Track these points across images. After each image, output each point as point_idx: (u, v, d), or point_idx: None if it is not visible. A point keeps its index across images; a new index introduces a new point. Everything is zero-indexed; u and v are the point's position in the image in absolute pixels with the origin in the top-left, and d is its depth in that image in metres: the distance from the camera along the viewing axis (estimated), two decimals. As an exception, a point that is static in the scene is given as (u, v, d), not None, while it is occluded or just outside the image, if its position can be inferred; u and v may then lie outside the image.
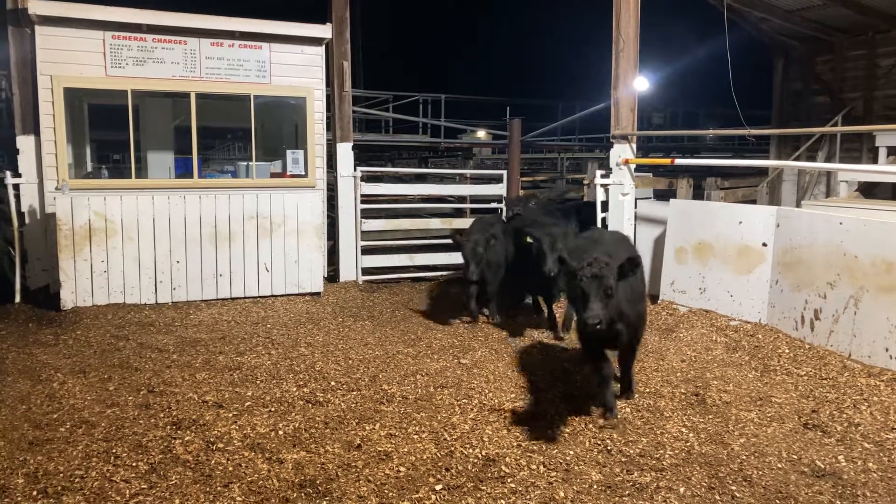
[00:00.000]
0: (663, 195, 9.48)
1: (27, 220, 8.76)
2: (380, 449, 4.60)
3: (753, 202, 9.31)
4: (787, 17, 12.55)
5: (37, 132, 8.59)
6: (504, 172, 10.79)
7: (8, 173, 8.68)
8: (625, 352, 5.43)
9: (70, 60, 8.54)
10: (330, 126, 10.59)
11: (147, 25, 8.78)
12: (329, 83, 10.25)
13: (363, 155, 15.59)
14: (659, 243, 8.78)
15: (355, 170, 10.33)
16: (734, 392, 5.66)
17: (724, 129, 16.61)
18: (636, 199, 9.07)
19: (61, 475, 4.14)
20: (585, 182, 11.15)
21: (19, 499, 3.88)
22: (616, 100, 9.08)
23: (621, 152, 8.94)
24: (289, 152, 9.98)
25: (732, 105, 9.34)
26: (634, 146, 9.10)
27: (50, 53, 8.44)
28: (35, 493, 3.94)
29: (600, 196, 8.87)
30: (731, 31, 9.36)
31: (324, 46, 9.87)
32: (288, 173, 9.93)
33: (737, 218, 7.72)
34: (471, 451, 4.60)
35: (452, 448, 4.63)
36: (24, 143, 8.69)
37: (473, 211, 11.66)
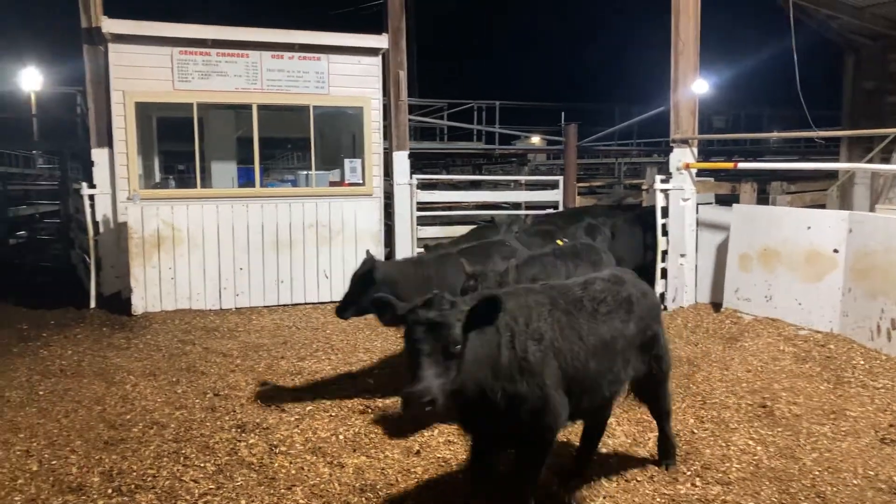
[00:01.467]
0: (726, 200, 9.22)
1: (101, 229, 9.18)
2: (438, 455, 4.61)
3: (822, 207, 8.93)
4: (857, 15, 12.02)
5: (110, 145, 8.99)
6: (560, 178, 10.70)
7: (84, 184, 9.11)
8: (519, 461, 3.55)
9: (140, 76, 8.92)
10: (386, 135, 10.73)
11: (212, 40, 9.09)
12: (385, 92, 10.39)
13: (418, 163, 15.72)
14: (721, 250, 8.53)
15: (411, 178, 10.43)
16: (805, 404, 5.44)
17: (790, 132, 16.04)
18: (697, 205, 8.85)
19: (134, 474, 4.31)
20: (644, 187, 10.94)
21: (95, 496, 4.06)
22: (675, 103, 8.89)
23: (681, 156, 8.73)
24: (346, 161, 10.16)
25: (797, 106, 9.00)
26: (695, 150, 8.89)
27: (122, 70, 8.84)
28: (110, 491, 4.11)
29: (660, 201, 8.68)
30: (797, 30, 9.04)
31: (380, 56, 10.01)
32: (346, 182, 10.10)
33: (805, 223, 7.43)
34: (530, 459, 4.57)
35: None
36: (99, 155, 9.12)
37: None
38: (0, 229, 11.85)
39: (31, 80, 22.76)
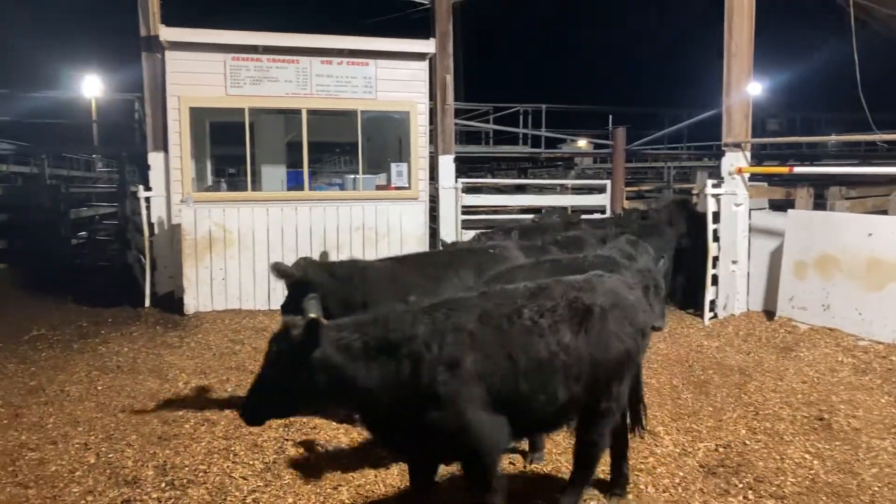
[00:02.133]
0: (780, 206, 8.95)
1: (156, 231, 9.46)
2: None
3: (884, 213, 8.58)
4: (923, 13, 11.55)
5: (165, 149, 9.28)
6: (607, 182, 10.57)
7: (140, 187, 9.42)
8: (467, 485, 3.46)
9: (195, 82, 9.18)
10: (432, 139, 10.78)
11: (263, 47, 9.29)
12: (432, 97, 10.44)
13: (462, 166, 15.71)
14: (775, 257, 8.28)
15: (456, 181, 10.45)
16: (864, 418, 5.23)
17: (850, 135, 15.48)
18: (750, 210, 8.62)
19: (186, 469, 4.43)
20: (694, 192, 10.69)
21: (149, 490, 4.18)
22: (728, 106, 8.68)
23: (734, 161, 8.52)
24: (393, 165, 10.24)
25: (857, 108, 8.69)
26: (748, 154, 8.66)
27: (178, 76, 9.12)
28: (164, 484, 4.23)
29: (711, 207, 8.48)
30: (858, 30, 8.73)
31: (427, 61, 10.07)
32: (392, 185, 10.18)
33: (866, 229, 7.16)
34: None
35: (558, 465, 4.56)
36: (155, 159, 9.41)
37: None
38: (63, 230, 12.32)
39: (92, 87, 23.68)
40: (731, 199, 8.47)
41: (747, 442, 4.93)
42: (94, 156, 25.20)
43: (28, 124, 17.17)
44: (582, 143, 21.44)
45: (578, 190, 12.32)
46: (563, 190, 13.03)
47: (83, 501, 4.04)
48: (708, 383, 6.20)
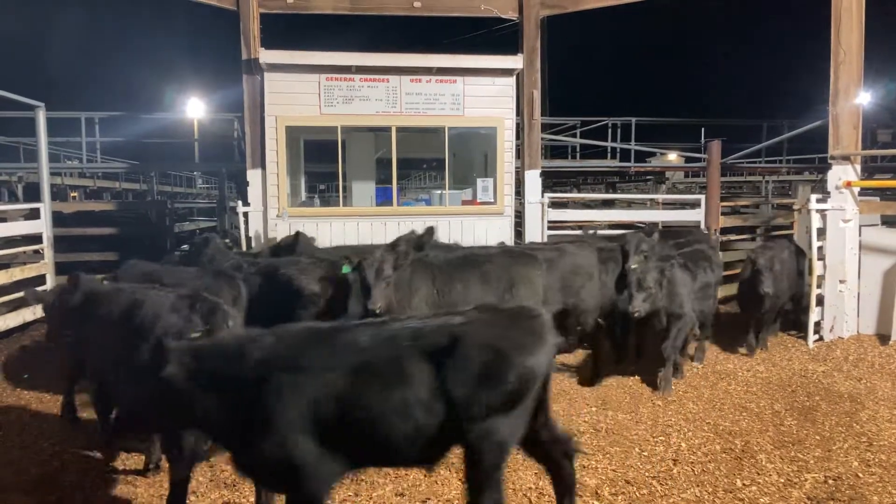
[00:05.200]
0: (894, 222, 8.36)
1: (253, 244, 9.88)
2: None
3: None
4: None
5: (263, 166, 9.69)
6: (702, 197, 10.17)
7: (239, 203, 9.88)
8: None
9: (291, 102, 9.56)
10: (518, 154, 10.74)
11: (356, 67, 9.57)
12: (519, 112, 10.43)
13: (547, 181, 15.60)
14: (890, 276, 7.73)
15: (542, 196, 10.37)
16: None
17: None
18: (860, 227, 8.09)
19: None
20: (795, 207, 10.13)
21: (247, 493, 4.33)
22: (835, 116, 8.21)
23: (842, 174, 8.04)
24: (479, 180, 10.28)
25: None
26: (858, 167, 8.15)
27: (275, 96, 9.53)
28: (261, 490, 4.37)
29: (815, 222, 8.01)
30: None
31: (515, 77, 10.08)
32: (478, 200, 10.21)
33: None
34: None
35: (653, 488, 4.40)
36: (253, 176, 9.85)
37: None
38: (167, 244, 13.09)
39: (194, 108, 25.21)
40: (839, 214, 7.99)
41: (860, 475, 4.60)
42: (195, 173, 26.79)
43: (137, 144, 18.43)
44: (672, 157, 20.82)
45: (670, 205, 11.93)
46: (654, 205, 12.66)
47: (187, 501, 4.23)
48: (814, 410, 5.83)
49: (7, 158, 17.11)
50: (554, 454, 3.58)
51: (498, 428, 3.21)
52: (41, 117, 8.68)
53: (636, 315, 6.08)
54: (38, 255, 8.77)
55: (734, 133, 18.90)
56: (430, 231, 6.95)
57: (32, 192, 14.71)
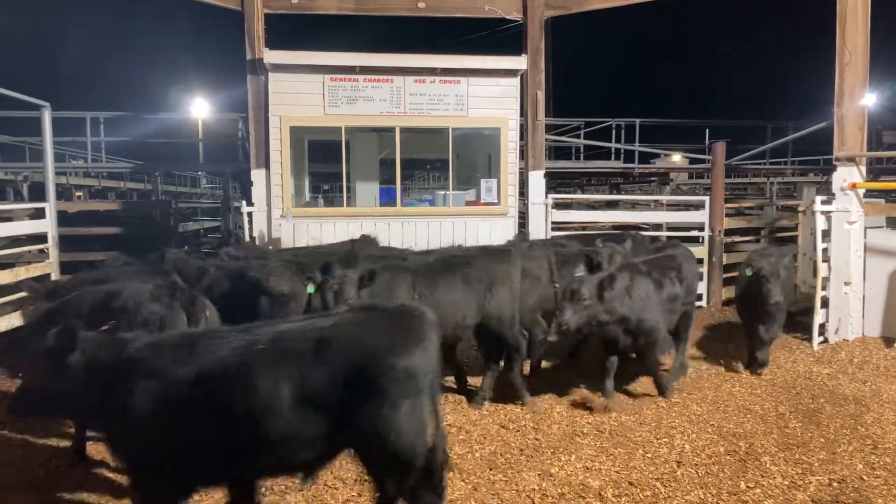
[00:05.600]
0: (900, 224, 8.34)
1: (258, 244, 9.88)
2: (574, 480, 4.49)
3: None
4: None
5: (267, 166, 9.71)
6: (706, 198, 10.16)
7: (243, 203, 9.89)
8: None
9: (295, 102, 9.58)
10: (522, 154, 10.74)
11: (360, 67, 9.58)
12: (522, 113, 10.43)
13: (551, 182, 15.60)
14: (895, 278, 7.70)
15: (546, 197, 10.36)
16: None
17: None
18: (865, 229, 8.06)
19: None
20: (800, 209, 10.11)
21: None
22: (840, 117, 8.19)
23: (847, 175, 8.01)
24: (483, 181, 10.28)
25: None
26: (863, 168, 8.12)
27: (279, 97, 9.54)
28: (263, 489, 4.35)
29: (820, 224, 7.99)
30: None
31: (519, 77, 10.08)
32: (481, 201, 10.21)
33: None
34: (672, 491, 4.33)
35: (657, 490, 4.39)
36: (257, 176, 9.86)
37: (670, 239, 11.09)
38: (171, 243, 13.12)
39: (199, 108, 25.25)
40: (844, 216, 7.97)
41: (865, 477, 4.59)
42: (199, 173, 26.82)
43: (142, 144, 18.46)
44: (676, 158, 20.79)
45: (674, 206, 11.91)
46: (658, 206, 12.64)
47: (192, 500, 4.23)
48: (819, 413, 5.82)
49: (12, 158, 17.17)
50: (432, 463, 3.43)
51: (381, 432, 3.13)
52: (47, 117, 8.70)
53: (563, 328, 5.49)
54: (43, 254, 8.79)
55: (738, 134, 18.87)
56: (366, 239, 6.81)
57: (38, 192, 14.77)
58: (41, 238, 8.67)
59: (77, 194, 18.78)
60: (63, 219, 10.45)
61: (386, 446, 3.15)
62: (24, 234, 8.86)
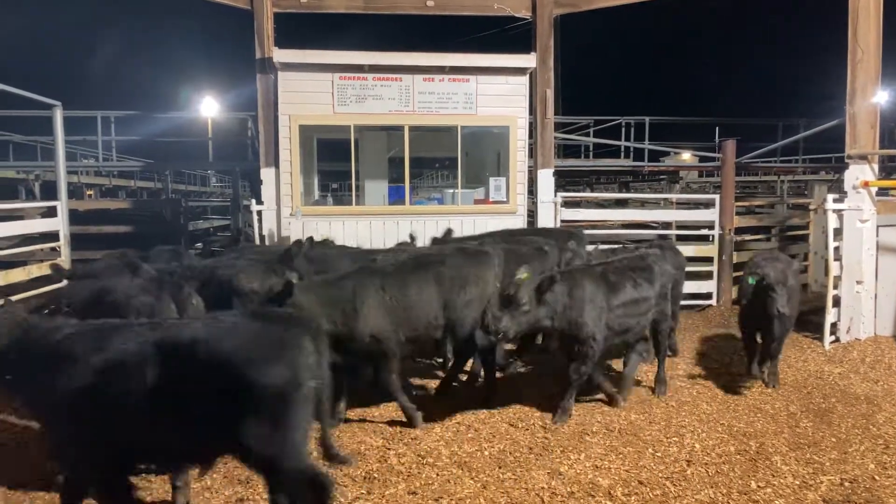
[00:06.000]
0: (912, 222, 8.26)
1: (267, 242, 9.92)
2: (583, 479, 4.48)
3: None
4: None
5: (277, 165, 9.74)
6: (716, 197, 10.11)
7: (253, 201, 9.93)
8: None
9: (304, 101, 9.60)
10: (531, 153, 10.72)
11: (369, 66, 9.59)
12: (532, 111, 10.41)
13: (560, 180, 15.58)
14: (907, 277, 7.65)
15: (555, 195, 10.34)
16: None
17: None
18: (878, 227, 8.00)
19: (294, 473, 4.58)
20: (812, 207, 10.06)
21: (261, 490, 4.34)
22: (852, 115, 8.13)
23: (859, 173, 7.95)
24: (491, 179, 10.27)
25: None
26: (875, 166, 8.06)
27: (289, 95, 9.56)
28: (273, 486, 4.40)
29: (832, 223, 7.94)
30: None
31: (528, 75, 10.06)
32: (490, 200, 10.20)
33: None
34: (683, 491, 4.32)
35: (666, 489, 4.38)
36: (267, 174, 9.89)
37: (680, 237, 11.05)
38: (181, 242, 13.19)
39: (208, 107, 25.35)
40: (856, 214, 7.91)
41: (877, 477, 4.56)
42: (209, 171, 26.95)
43: (152, 143, 18.57)
44: (686, 156, 20.71)
45: (684, 204, 11.86)
46: (667, 204, 12.59)
47: (202, 497, 4.27)
48: (830, 412, 5.78)
49: (24, 157, 17.30)
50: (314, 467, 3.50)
51: (243, 436, 3.18)
52: (58, 116, 8.76)
53: (499, 337, 5.21)
54: (54, 252, 8.85)
55: (749, 132, 18.80)
56: (299, 243, 6.68)
57: (49, 190, 14.88)
58: (53, 236, 8.74)
59: (88, 193, 18.93)
60: (74, 217, 10.53)
61: (252, 450, 3.25)
62: (37, 233, 8.94)
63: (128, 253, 6.70)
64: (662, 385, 6.26)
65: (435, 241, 7.97)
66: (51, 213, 8.78)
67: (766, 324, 6.20)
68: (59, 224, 8.65)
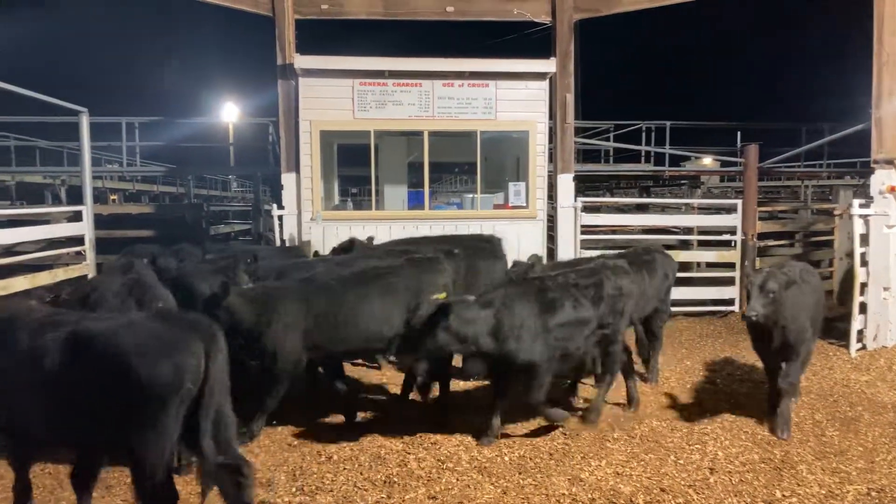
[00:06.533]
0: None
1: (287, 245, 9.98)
2: (604, 485, 4.44)
3: None
4: None
5: (297, 170, 9.81)
6: (738, 202, 10.00)
7: (274, 206, 10.01)
8: None
9: (325, 106, 9.67)
10: (551, 158, 10.69)
11: (389, 71, 9.64)
12: (551, 115, 10.38)
13: (579, 185, 15.51)
14: (936, 283, 7.50)
15: (575, 200, 10.30)
16: None
17: None
18: (905, 232, 7.86)
19: (315, 475, 4.61)
20: (836, 212, 9.91)
21: (281, 493, 4.38)
22: (878, 119, 8.01)
23: (885, 178, 7.82)
24: (511, 184, 10.26)
25: None
26: (903, 171, 7.92)
27: (309, 101, 9.64)
28: (294, 489, 4.43)
29: (858, 228, 7.81)
30: None
31: (547, 80, 10.04)
32: (510, 205, 10.19)
33: None
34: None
35: (689, 497, 4.33)
36: (287, 179, 9.96)
37: (701, 243, 10.95)
38: (203, 245, 13.32)
39: (229, 112, 25.64)
40: (883, 220, 7.78)
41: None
42: (230, 176, 27.21)
43: (174, 148, 18.79)
44: (707, 161, 20.50)
45: (705, 209, 11.75)
46: (688, 209, 12.48)
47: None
48: (857, 420, 5.68)
49: (51, 162, 17.61)
50: (223, 479, 3.50)
51: (122, 434, 3.34)
52: (84, 122, 8.91)
53: (420, 371, 5.04)
54: (80, 256, 8.99)
55: (771, 137, 18.51)
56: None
57: (75, 195, 15.12)
58: (78, 240, 8.87)
59: (112, 198, 19.20)
60: (98, 221, 10.68)
61: (129, 449, 3.37)
62: (63, 237, 9.08)
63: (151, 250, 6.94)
64: (594, 412, 5.48)
65: (335, 250, 7.99)
66: (77, 217, 8.92)
67: (772, 345, 5.35)
68: (85, 228, 8.78)
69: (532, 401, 5.13)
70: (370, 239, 8.29)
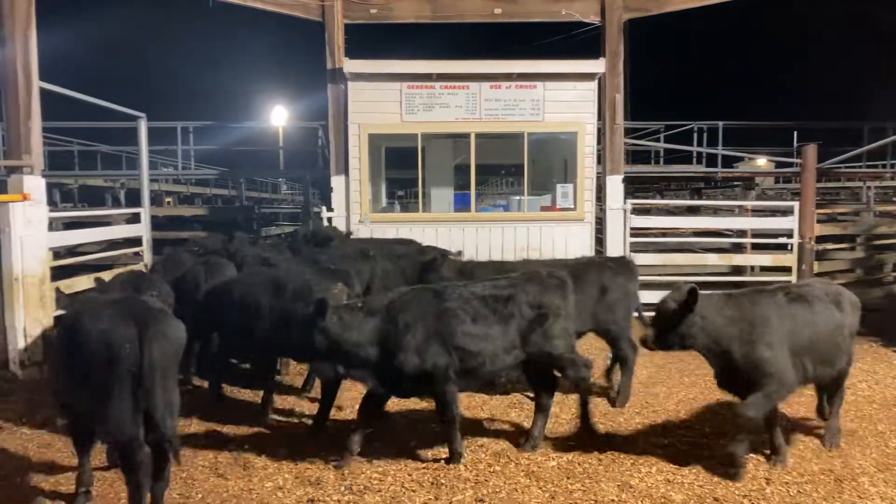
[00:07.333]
0: None
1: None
2: (654, 493, 4.36)
3: None
4: None
5: (346, 172, 9.95)
6: (795, 204, 9.68)
7: (323, 208, 10.18)
8: None
9: (373, 110, 9.79)
10: (600, 159, 10.56)
11: (436, 74, 9.69)
12: (600, 116, 10.26)
13: (629, 187, 15.26)
14: None
15: (625, 202, 10.14)
16: None
17: None
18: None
19: (363, 475, 4.64)
20: None
21: (330, 491, 4.44)
22: (947, 117, 7.65)
23: (955, 179, 7.47)
24: (558, 186, 10.18)
25: None
26: (973, 171, 7.55)
27: (358, 105, 9.77)
28: (343, 488, 4.47)
29: (924, 231, 7.48)
30: None
31: (596, 81, 9.93)
32: (557, 206, 10.11)
33: None
34: (763, 512, 4.14)
35: (741, 506, 4.21)
36: (337, 182, 10.12)
37: (755, 246, 10.63)
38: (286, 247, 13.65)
39: (279, 116, 26.14)
40: (951, 222, 7.42)
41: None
42: (280, 179, 27.76)
43: (226, 151, 19.29)
44: (761, 162, 19.94)
45: (759, 212, 11.41)
46: (742, 211, 12.15)
47: (275, 496, 4.38)
48: (923, 432, 5.43)
49: (111, 166, 18.29)
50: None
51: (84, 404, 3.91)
52: (143, 127, 9.22)
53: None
54: (138, 256, 9.30)
55: (830, 136, 17.88)
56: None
57: (133, 198, 15.65)
58: (136, 241, 9.19)
59: (167, 200, 19.81)
60: (154, 223, 11.04)
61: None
62: (122, 238, 9.42)
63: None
64: (532, 442, 5.04)
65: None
66: (135, 219, 9.24)
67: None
68: (143, 230, 9.09)
69: (443, 417, 4.80)
70: (459, 253, 7.85)
